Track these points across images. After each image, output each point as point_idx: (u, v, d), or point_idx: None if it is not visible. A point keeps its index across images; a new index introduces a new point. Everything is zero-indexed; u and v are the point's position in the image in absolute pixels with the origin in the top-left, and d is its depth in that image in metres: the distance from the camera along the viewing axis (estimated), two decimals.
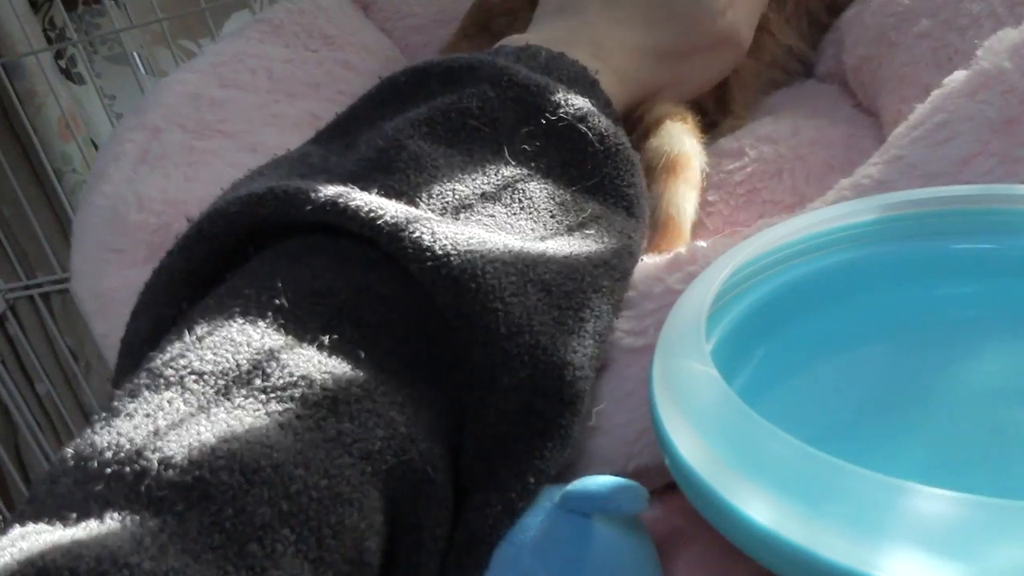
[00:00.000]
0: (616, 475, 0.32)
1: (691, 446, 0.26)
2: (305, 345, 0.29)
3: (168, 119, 0.56)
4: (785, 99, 0.62)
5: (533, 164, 0.39)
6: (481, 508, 0.31)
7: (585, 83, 0.43)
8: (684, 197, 0.45)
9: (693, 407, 0.27)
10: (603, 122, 0.41)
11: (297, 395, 0.28)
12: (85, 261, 0.51)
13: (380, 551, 0.28)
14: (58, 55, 1.20)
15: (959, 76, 0.38)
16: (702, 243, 0.39)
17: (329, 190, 0.33)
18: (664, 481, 0.35)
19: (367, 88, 0.43)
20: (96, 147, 1.19)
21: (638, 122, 0.50)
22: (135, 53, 1.17)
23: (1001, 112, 0.37)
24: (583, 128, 0.40)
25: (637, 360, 0.36)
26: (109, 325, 0.49)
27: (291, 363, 0.28)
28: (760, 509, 0.23)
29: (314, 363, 0.29)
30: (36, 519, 0.24)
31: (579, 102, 0.40)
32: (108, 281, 0.49)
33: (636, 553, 0.32)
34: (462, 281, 0.31)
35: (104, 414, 0.27)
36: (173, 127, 0.56)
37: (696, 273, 0.35)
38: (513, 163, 0.39)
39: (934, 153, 0.37)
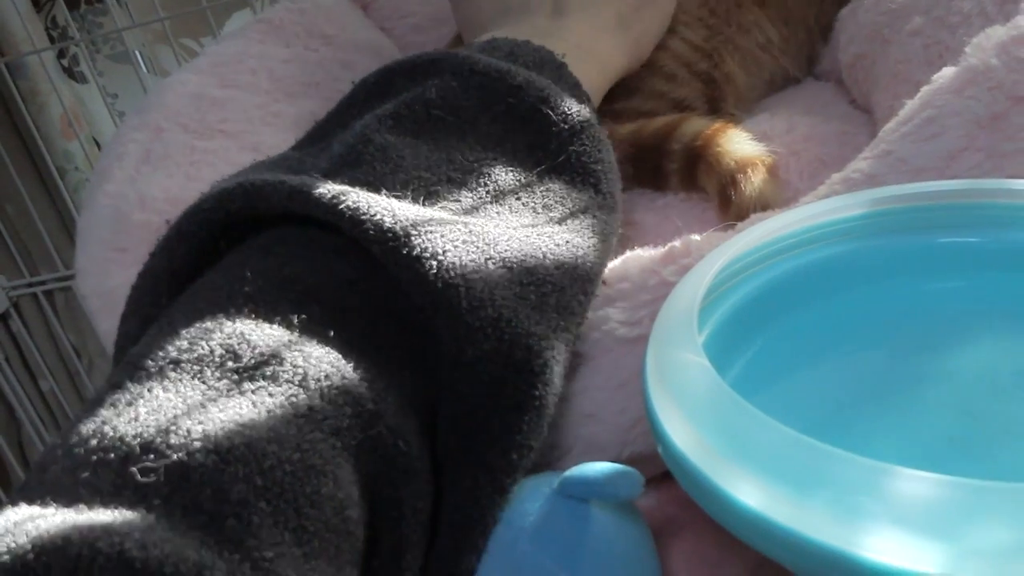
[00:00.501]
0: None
1: (683, 434, 0.27)
2: (274, 326, 0.30)
3: (170, 119, 0.57)
4: (781, 96, 0.62)
5: (498, 148, 0.40)
6: (470, 489, 0.31)
7: (552, 66, 0.44)
8: (768, 183, 0.48)
9: (685, 396, 0.28)
10: (567, 101, 0.41)
11: (268, 373, 0.29)
12: (89, 260, 0.52)
13: (363, 524, 0.28)
14: (60, 54, 1.21)
15: (947, 72, 0.39)
16: (696, 236, 0.39)
17: (293, 180, 0.34)
18: (658, 470, 0.35)
19: None
20: (98, 145, 1.20)
21: (664, 144, 0.51)
22: (137, 52, 1.17)
23: (988, 108, 0.37)
24: (545, 109, 0.40)
25: (632, 350, 0.36)
26: (113, 323, 0.49)
27: (261, 343, 0.29)
28: (750, 493, 0.24)
29: (283, 343, 0.30)
30: (28, 504, 0.25)
31: (541, 84, 0.41)
32: (112, 279, 0.49)
33: (633, 538, 0.33)
34: (423, 259, 0.32)
35: (90, 405, 0.28)
36: (175, 127, 0.57)
37: (690, 266, 0.36)
38: (478, 148, 0.39)
39: (922, 148, 0.38)
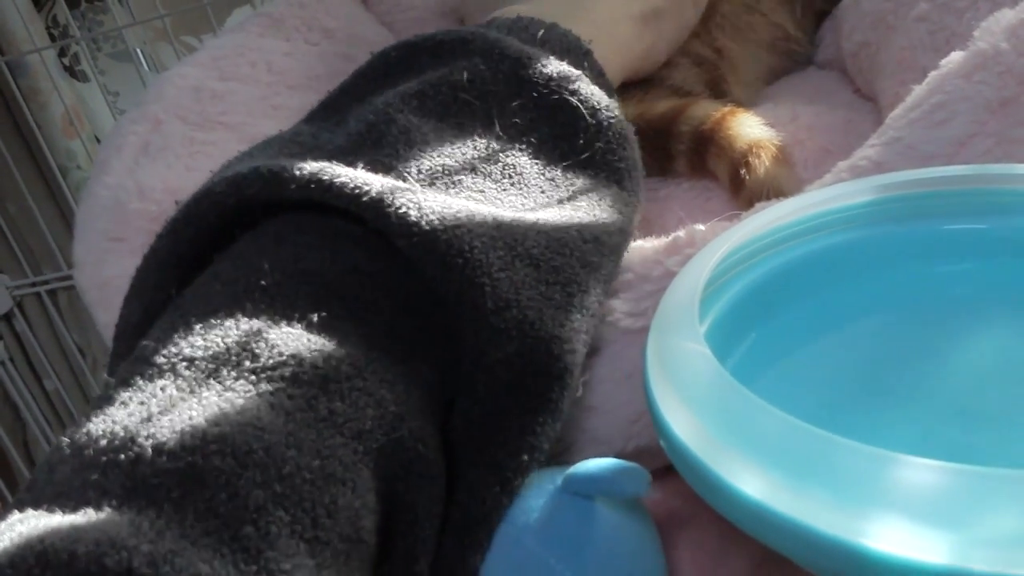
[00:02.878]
0: (616, 456, 0.33)
1: (684, 422, 0.27)
2: (294, 324, 0.29)
3: (169, 111, 0.57)
4: (785, 86, 0.62)
5: (524, 138, 0.39)
6: (478, 488, 0.31)
7: (578, 53, 0.43)
8: (781, 170, 0.47)
9: (686, 385, 0.27)
10: (596, 94, 0.40)
11: (287, 374, 0.28)
12: (87, 251, 0.51)
13: (376, 530, 0.28)
14: (61, 52, 1.21)
15: (956, 57, 0.38)
16: (700, 226, 0.39)
17: (313, 167, 0.33)
18: (663, 462, 0.35)
19: None
20: (100, 143, 1.20)
21: (672, 127, 0.51)
22: (138, 50, 1.17)
23: (998, 92, 0.37)
24: (575, 101, 0.39)
25: (635, 341, 0.36)
26: (111, 315, 0.48)
27: (280, 342, 0.28)
28: (751, 483, 0.24)
29: (303, 342, 0.29)
30: (35, 506, 0.24)
31: (572, 75, 0.40)
32: (109, 269, 0.49)
33: (638, 535, 0.32)
34: (448, 256, 0.31)
35: (99, 402, 0.27)
36: (174, 119, 0.56)
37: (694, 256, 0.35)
38: (504, 137, 0.38)
39: (931, 134, 0.37)
